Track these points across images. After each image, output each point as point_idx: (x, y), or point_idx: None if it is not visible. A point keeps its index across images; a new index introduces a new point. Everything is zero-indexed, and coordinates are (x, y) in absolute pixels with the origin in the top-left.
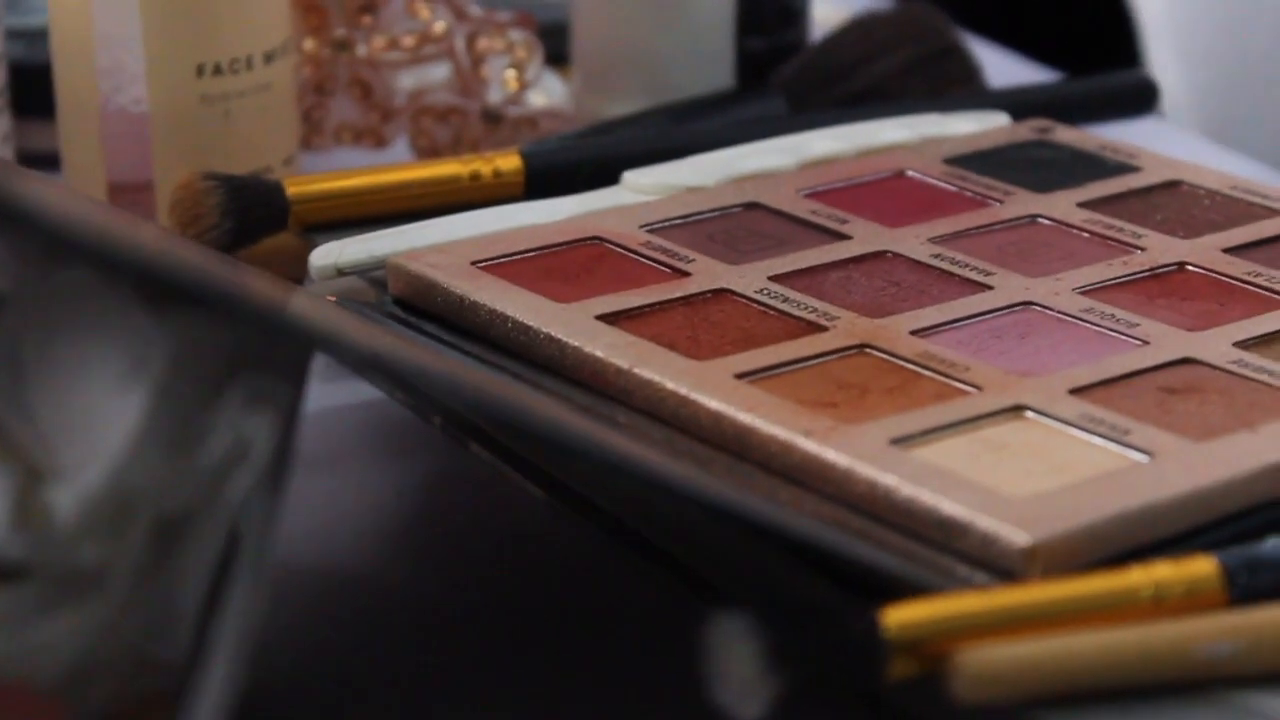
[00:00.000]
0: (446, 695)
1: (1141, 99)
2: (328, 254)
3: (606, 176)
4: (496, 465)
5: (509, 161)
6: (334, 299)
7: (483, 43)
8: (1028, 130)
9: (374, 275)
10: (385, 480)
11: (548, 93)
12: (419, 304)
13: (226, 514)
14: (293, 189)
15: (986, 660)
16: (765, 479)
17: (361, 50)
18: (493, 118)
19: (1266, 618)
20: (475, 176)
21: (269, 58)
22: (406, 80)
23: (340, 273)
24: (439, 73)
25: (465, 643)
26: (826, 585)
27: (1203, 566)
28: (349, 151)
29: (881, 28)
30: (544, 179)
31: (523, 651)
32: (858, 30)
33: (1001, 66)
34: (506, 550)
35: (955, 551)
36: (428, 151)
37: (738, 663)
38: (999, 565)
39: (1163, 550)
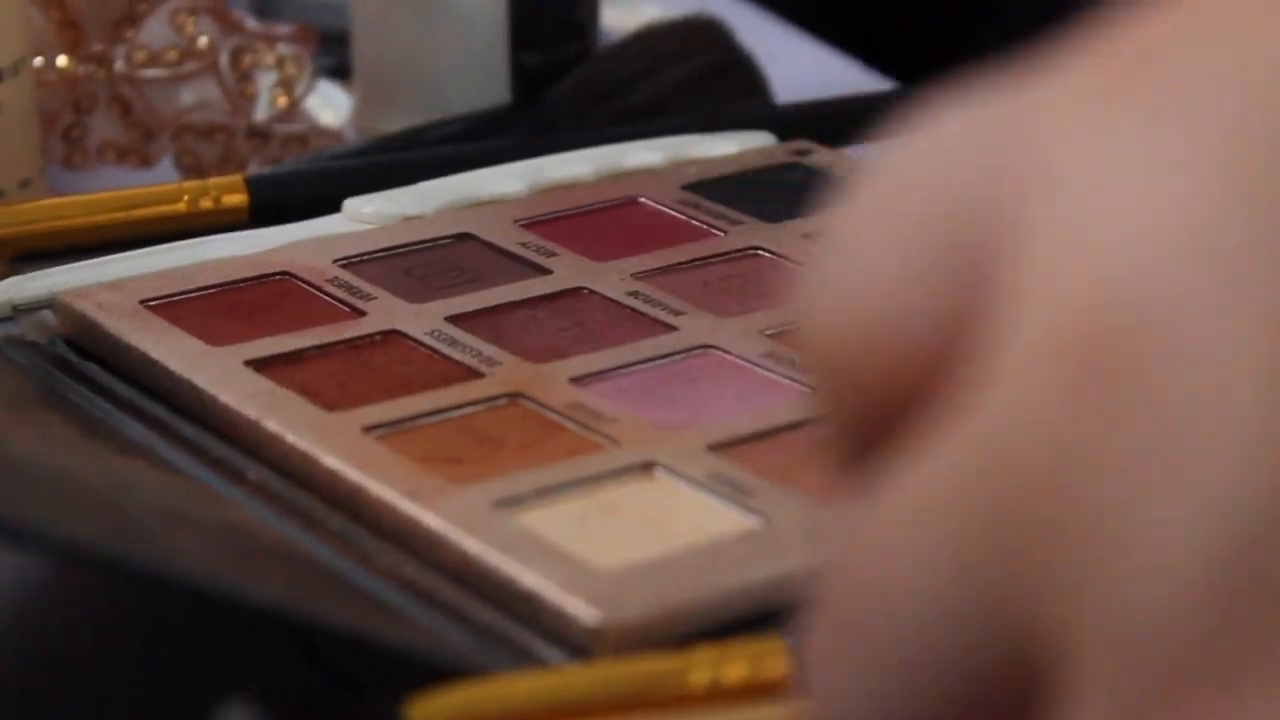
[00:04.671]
0: None
1: None
2: (6, 289)
3: (336, 204)
4: None
5: (232, 188)
6: None
7: (249, 58)
8: (784, 152)
9: None
10: None
11: (334, 107)
12: (86, 345)
13: None
14: None
15: None
16: (372, 542)
17: (120, 66)
18: (259, 135)
19: None
20: (195, 205)
21: None
22: (187, 96)
23: (16, 310)
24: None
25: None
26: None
27: (769, 648)
28: (114, 171)
29: (663, 40)
30: (270, 206)
31: None
32: (638, 43)
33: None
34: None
35: (538, 628)
36: (193, 170)
37: None
38: (574, 644)
39: (763, 625)
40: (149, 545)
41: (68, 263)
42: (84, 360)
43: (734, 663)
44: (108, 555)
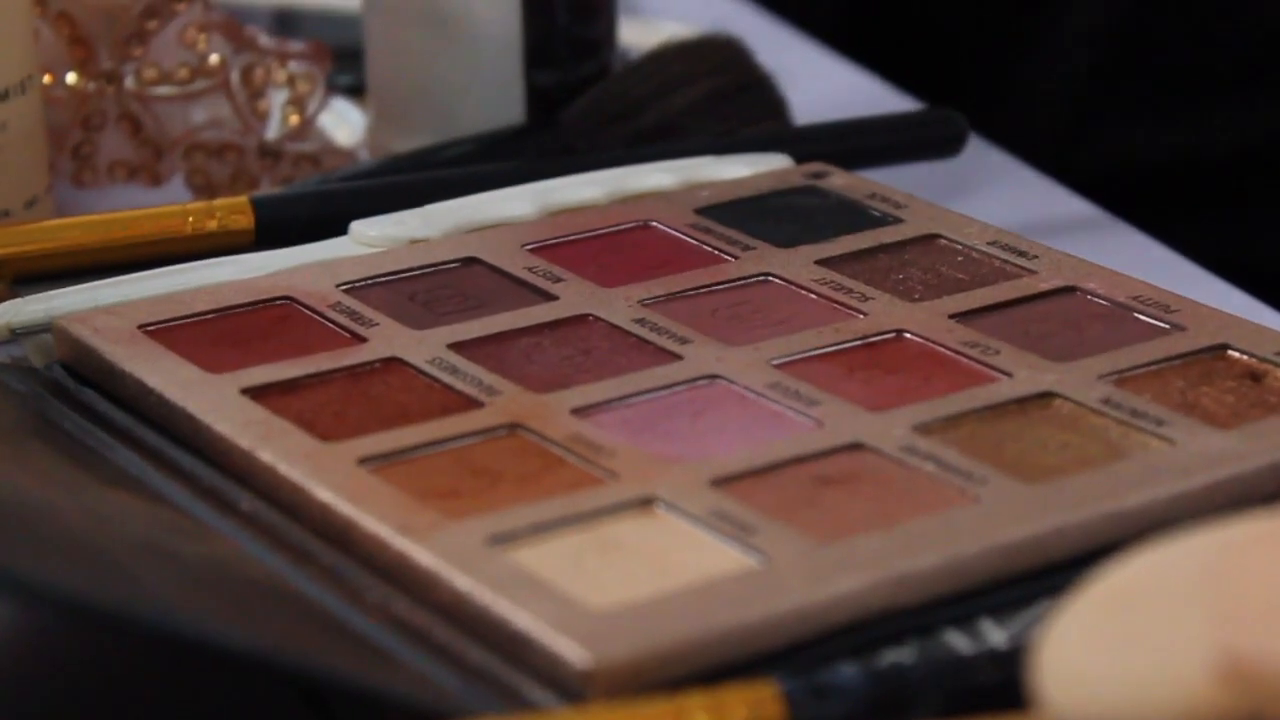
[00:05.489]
0: None
1: (950, 139)
2: (4, 312)
3: (343, 225)
4: None
5: (237, 210)
6: None
7: (260, 75)
8: (800, 175)
9: None
10: None
11: (350, 125)
12: (83, 370)
13: None
14: None
15: None
16: (364, 578)
17: (130, 83)
18: (270, 154)
19: None
20: (200, 226)
21: (4, 96)
22: (198, 114)
23: (13, 333)
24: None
25: None
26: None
27: (763, 692)
28: (124, 189)
29: (679, 59)
30: (276, 228)
31: None
32: (653, 62)
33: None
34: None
35: (529, 669)
36: (204, 189)
37: None
38: (565, 686)
39: (761, 668)
40: (126, 589)
41: (70, 285)
42: (81, 386)
43: (728, 708)
44: (82, 602)
